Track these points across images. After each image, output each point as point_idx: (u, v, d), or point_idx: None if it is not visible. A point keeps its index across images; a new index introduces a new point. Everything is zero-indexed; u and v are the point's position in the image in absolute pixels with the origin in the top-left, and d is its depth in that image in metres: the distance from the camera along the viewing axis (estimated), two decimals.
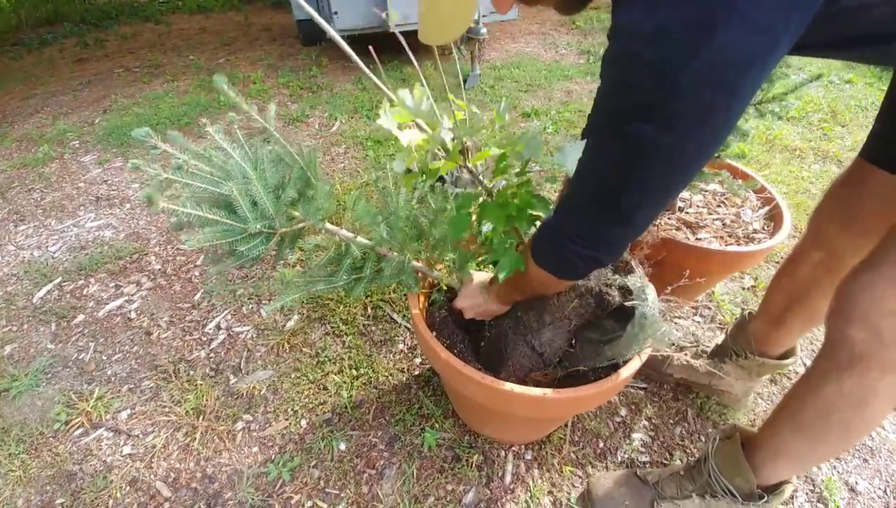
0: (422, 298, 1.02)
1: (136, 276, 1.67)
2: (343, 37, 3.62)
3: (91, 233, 1.91)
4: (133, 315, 1.51)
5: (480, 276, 0.97)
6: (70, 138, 2.66)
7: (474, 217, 0.78)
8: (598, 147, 0.57)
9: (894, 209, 0.78)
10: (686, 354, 1.22)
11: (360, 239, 0.87)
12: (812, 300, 0.96)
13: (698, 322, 1.47)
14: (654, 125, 0.47)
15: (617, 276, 0.85)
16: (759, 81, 0.46)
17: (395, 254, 0.87)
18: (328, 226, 0.83)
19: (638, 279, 0.83)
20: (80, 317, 1.51)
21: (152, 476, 1.08)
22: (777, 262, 1.67)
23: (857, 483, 1.09)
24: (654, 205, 0.58)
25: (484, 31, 2.93)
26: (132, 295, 1.59)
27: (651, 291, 0.82)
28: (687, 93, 0.44)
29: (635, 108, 0.48)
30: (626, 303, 0.81)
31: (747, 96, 0.46)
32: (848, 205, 0.88)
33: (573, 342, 0.91)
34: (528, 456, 1.10)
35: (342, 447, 1.12)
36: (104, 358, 1.37)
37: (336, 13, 3.14)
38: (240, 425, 1.18)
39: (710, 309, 1.51)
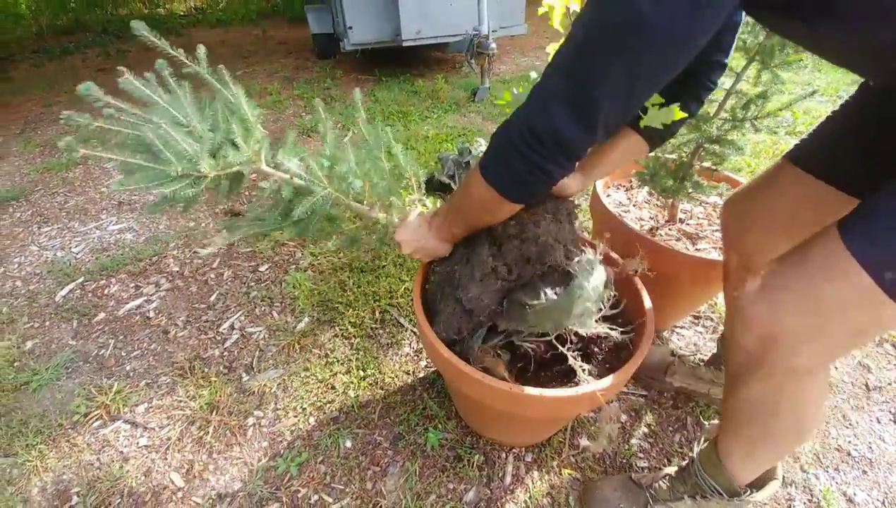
0: (424, 289, 1.05)
1: (155, 278, 1.73)
2: (356, 50, 3.70)
3: (113, 235, 1.99)
4: (152, 314, 1.57)
5: (419, 212, 0.93)
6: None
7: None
8: (581, 23, 0.56)
9: (803, 209, 0.82)
10: (685, 362, 1.25)
11: (295, 180, 0.86)
12: None
13: (700, 332, 1.50)
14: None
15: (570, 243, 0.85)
16: None
17: (319, 190, 0.85)
18: (263, 167, 0.82)
19: (591, 255, 0.82)
20: (101, 315, 1.57)
21: (167, 467, 1.13)
22: None
23: (855, 493, 1.10)
24: (620, 100, 0.57)
25: (493, 45, 3.01)
26: (151, 295, 1.65)
27: (599, 270, 0.80)
28: None
29: None
30: (568, 269, 0.79)
31: None
32: (753, 203, 0.93)
33: (502, 302, 0.87)
34: (529, 459, 1.13)
35: (348, 444, 1.16)
36: (123, 354, 1.43)
37: (350, 28, 3.24)
38: (251, 420, 1.22)
39: (712, 319, 1.54)
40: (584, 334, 0.87)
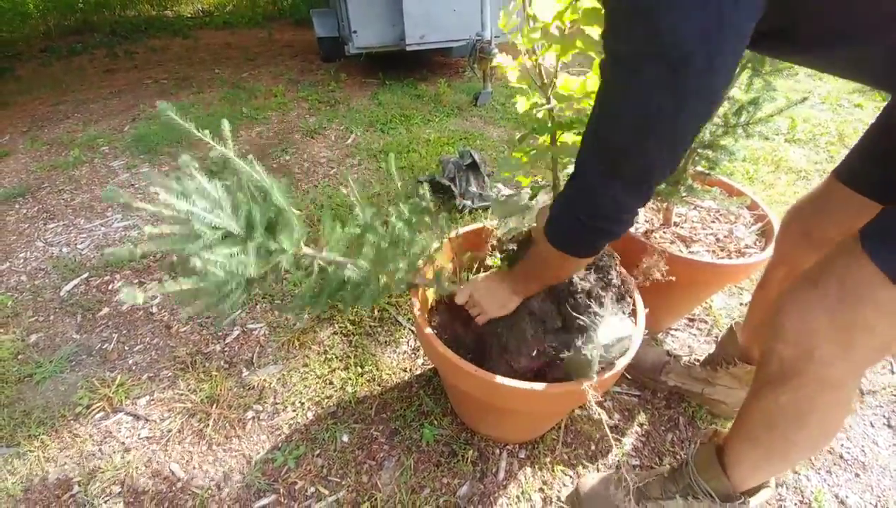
0: (425, 296, 1.08)
1: (159, 274, 1.76)
2: (361, 54, 3.73)
3: (118, 232, 2.02)
4: (154, 310, 1.60)
5: (481, 277, 0.98)
6: (100, 144, 2.81)
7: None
8: (611, 92, 0.58)
9: (855, 226, 0.82)
10: (680, 362, 1.27)
11: (338, 258, 0.85)
12: None
13: (694, 335, 1.51)
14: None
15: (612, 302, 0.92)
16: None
17: (362, 271, 0.86)
18: (305, 250, 0.81)
19: (628, 324, 0.90)
20: (105, 310, 1.60)
21: (167, 458, 1.15)
22: None
23: (847, 496, 1.11)
24: (671, 159, 0.59)
25: (496, 51, 3.04)
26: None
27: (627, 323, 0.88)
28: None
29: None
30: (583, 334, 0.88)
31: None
32: (808, 222, 0.93)
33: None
34: (522, 455, 1.15)
35: (345, 438, 1.18)
36: (126, 348, 1.46)
37: (355, 32, 3.28)
38: (250, 414, 1.25)
39: (706, 322, 1.55)
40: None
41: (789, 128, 2.77)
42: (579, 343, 0.85)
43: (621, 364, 0.88)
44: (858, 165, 0.85)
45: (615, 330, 0.87)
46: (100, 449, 1.19)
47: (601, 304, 0.91)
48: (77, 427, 1.24)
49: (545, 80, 0.91)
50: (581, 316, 0.88)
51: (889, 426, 1.26)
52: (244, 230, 0.72)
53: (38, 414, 1.27)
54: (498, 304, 0.94)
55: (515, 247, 1.06)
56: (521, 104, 1.00)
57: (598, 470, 1.13)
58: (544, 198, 1.08)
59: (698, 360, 1.29)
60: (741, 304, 1.62)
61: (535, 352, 0.91)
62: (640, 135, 0.56)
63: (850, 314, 0.61)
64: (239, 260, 0.68)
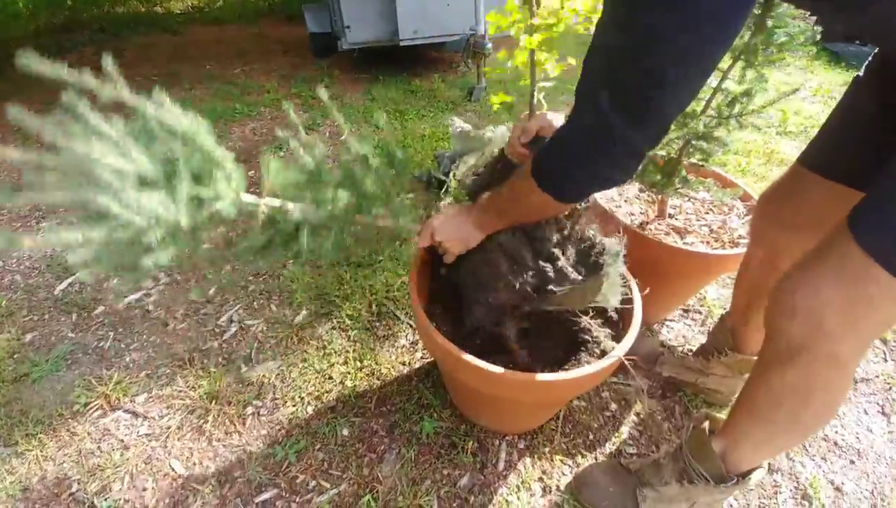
0: (422, 284, 1.08)
1: (154, 272, 1.75)
2: (354, 50, 3.70)
3: None
4: (151, 307, 1.59)
5: (442, 213, 0.93)
6: None
7: None
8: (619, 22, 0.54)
9: (826, 208, 0.82)
10: (674, 352, 1.28)
11: (288, 205, 0.78)
12: (764, 298, 1.02)
13: (689, 325, 1.53)
14: None
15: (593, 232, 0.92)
16: None
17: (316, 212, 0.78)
18: (245, 197, 0.73)
19: (617, 244, 0.89)
20: (101, 309, 1.59)
21: (167, 455, 1.15)
22: None
23: (843, 483, 1.13)
24: (681, 95, 0.56)
25: (490, 46, 3.04)
26: (150, 288, 1.67)
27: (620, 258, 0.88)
28: None
29: None
30: (599, 260, 0.87)
31: None
32: (781, 205, 0.95)
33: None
34: (521, 445, 1.16)
35: (345, 432, 1.19)
36: (123, 346, 1.45)
37: (348, 27, 3.26)
38: (249, 410, 1.25)
39: (700, 312, 1.57)
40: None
41: (780, 120, 2.80)
42: (579, 274, 0.85)
43: (622, 348, 0.89)
44: (836, 156, 0.86)
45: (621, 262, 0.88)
46: (98, 447, 1.18)
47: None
48: (75, 426, 1.23)
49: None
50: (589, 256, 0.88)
51: (883, 413, 1.28)
52: (164, 178, 0.61)
53: (36, 412, 1.26)
54: (460, 239, 0.88)
55: (477, 177, 1.02)
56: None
57: (596, 459, 1.15)
58: (502, 130, 1.08)
59: (691, 351, 1.31)
60: None
61: (516, 285, 0.87)
62: (679, 65, 0.52)
63: (855, 291, 0.62)
64: (163, 205, 0.59)
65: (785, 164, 2.40)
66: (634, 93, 0.56)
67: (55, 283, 1.71)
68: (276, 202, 0.77)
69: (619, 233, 0.94)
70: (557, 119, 0.87)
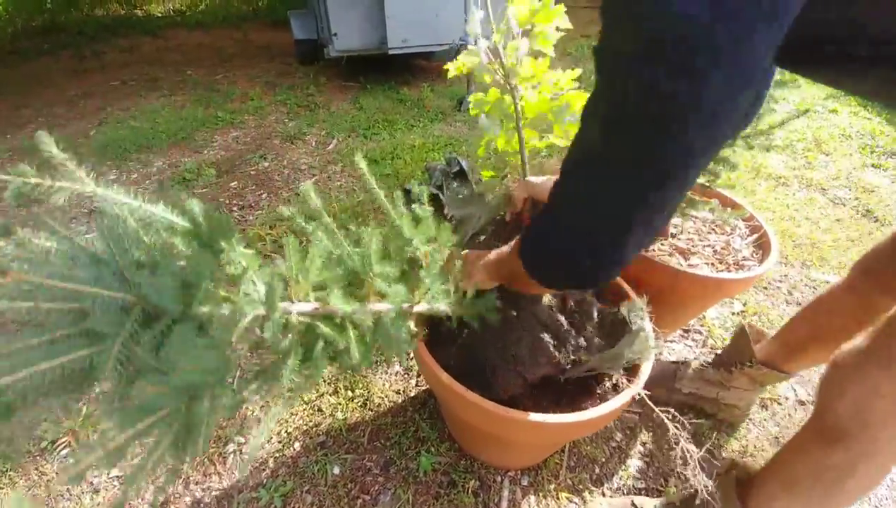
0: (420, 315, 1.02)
1: None
2: (341, 58, 3.64)
3: None
4: None
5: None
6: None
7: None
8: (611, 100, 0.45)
9: None
10: (690, 366, 1.24)
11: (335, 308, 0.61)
12: (835, 343, 0.97)
13: (690, 346, 1.49)
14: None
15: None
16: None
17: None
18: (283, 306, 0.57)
19: (637, 301, 0.86)
20: None
21: (139, 501, 1.06)
22: (765, 288, 1.70)
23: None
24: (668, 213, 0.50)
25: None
26: None
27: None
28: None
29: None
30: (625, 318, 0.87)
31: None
32: (880, 272, 0.89)
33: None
34: (525, 482, 1.10)
35: (336, 471, 1.11)
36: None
37: (335, 34, 3.20)
38: (231, 447, 1.16)
39: (701, 333, 1.53)
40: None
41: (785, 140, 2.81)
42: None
43: (637, 386, 0.84)
44: None
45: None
46: (67, 489, 1.08)
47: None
48: (43, 464, 1.13)
49: (506, 69, 0.95)
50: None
51: None
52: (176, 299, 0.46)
53: (4, 447, 1.15)
54: (473, 281, 0.81)
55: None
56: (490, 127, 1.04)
57: (603, 495, 1.09)
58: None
59: (707, 363, 1.26)
60: (733, 314, 1.60)
61: (555, 360, 0.87)
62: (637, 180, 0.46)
63: None
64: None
65: (773, 179, 2.40)
66: (618, 225, 0.50)
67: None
68: (312, 305, 0.61)
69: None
70: (541, 183, 0.88)
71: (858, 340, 0.68)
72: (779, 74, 1.04)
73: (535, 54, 0.98)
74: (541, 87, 1.02)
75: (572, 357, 0.88)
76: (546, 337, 0.88)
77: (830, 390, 0.70)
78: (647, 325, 0.89)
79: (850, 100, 3.30)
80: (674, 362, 1.28)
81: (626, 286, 1.03)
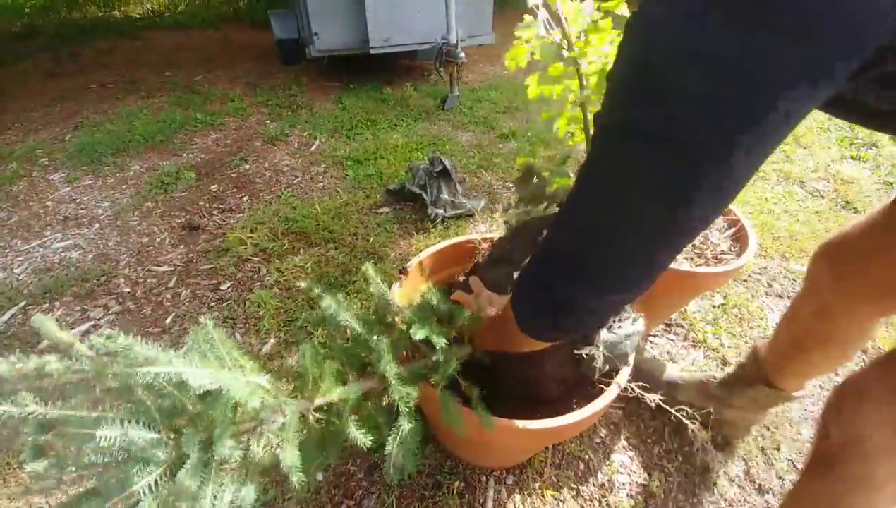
0: None
1: (104, 299, 1.61)
2: (323, 58, 3.61)
3: (57, 254, 1.85)
4: None
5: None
6: (39, 155, 2.59)
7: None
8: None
9: None
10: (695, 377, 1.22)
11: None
12: (808, 348, 0.94)
13: (672, 340, 1.50)
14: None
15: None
16: None
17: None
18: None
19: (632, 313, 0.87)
20: (45, 343, 1.45)
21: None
22: (745, 280, 1.72)
23: None
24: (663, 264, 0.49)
25: (462, 54, 3.00)
26: (99, 319, 1.53)
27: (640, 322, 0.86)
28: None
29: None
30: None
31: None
32: (840, 259, 0.83)
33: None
34: (510, 481, 1.10)
35: (319, 477, 1.09)
36: (70, 388, 1.32)
37: (316, 34, 3.16)
38: None
39: (683, 327, 1.55)
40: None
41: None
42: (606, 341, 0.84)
43: (619, 383, 0.84)
44: None
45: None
46: (47, 502, 1.06)
47: None
48: (23, 477, 1.10)
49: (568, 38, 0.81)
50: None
51: None
52: None
53: None
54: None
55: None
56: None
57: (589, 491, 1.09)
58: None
59: (714, 378, 1.23)
60: (714, 307, 1.62)
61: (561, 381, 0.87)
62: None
63: None
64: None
65: (760, 176, 2.43)
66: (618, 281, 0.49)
67: None
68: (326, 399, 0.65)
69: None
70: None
71: (868, 367, 0.65)
72: None
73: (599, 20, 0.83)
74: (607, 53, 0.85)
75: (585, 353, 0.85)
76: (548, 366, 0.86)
77: (829, 415, 0.67)
78: (639, 326, 0.88)
79: None
80: (682, 369, 1.26)
81: None
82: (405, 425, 0.65)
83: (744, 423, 1.17)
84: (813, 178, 2.39)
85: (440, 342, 0.70)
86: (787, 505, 0.75)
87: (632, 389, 0.92)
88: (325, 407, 0.66)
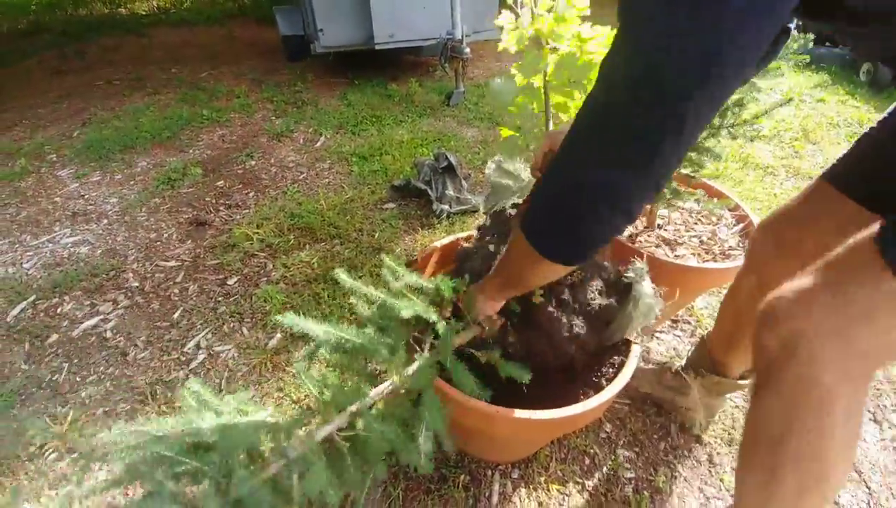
0: None
1: (113, 294, 1.63)
2: (328, 54, 3.61)
3: (67, 249, 1.87)
4: (109, 334, 1.47)
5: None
6: (47, 152, 2.61)
7: None
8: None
9: (835, 237, 0.67)
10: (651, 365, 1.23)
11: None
12: (750, 321, 0.95)
13: (679, 336, 1.50)
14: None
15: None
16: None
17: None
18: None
19: (638, 262, 0.88)
20: (54, 337, 1.47)
21: (130, 503, 1.05)
22: None
23: (839, 495, 1.10)
24: (683, 148, 0.51)
25: (467, 50, 2.99)
26: (108, 313, 1.55)
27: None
28: None
29: None
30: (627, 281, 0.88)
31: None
32: (780, 232, 0.88)
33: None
34: (515, 475, 1.10)
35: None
36: (78, 379, 1.33)
37: (321, 30, 3.16)
38: None
39: (689, 323, 1.54)
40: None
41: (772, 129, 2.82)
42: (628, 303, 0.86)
43: (622, 380, 0.84)
44: (868, 179, 0.77)
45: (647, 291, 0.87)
46: (56, 494, 1.07)
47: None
48: (31, 469, 1.12)
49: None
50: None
51: (875, 420, 1.27)
52: None
53: None
54: (482, 313, 0.82)
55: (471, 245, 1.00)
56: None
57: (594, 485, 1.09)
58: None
59: (670, 369, 1.24)
60: (721, 303, 1.61)
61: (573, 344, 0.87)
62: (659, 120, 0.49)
63: (850, 306, 0.55)
64: None
65: (760, 168, 2.42)
66: (640, 145, 0.51)
67: (7, 309, 1.58)
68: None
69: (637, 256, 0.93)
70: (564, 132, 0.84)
71: (793, 281, 0.61)
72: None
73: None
74: (571, 42, 0.97)
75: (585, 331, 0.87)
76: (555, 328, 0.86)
77: (760, 329, 0.62)
78: (648, 286, 0.87)
79: (837, 88, 3.32)
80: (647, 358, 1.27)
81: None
82: (430, 406, 0.65)
83: (701, 410, 1.17)
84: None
85: (430, 315, 0.74)
86: (744, 435, 0.70)
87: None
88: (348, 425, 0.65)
